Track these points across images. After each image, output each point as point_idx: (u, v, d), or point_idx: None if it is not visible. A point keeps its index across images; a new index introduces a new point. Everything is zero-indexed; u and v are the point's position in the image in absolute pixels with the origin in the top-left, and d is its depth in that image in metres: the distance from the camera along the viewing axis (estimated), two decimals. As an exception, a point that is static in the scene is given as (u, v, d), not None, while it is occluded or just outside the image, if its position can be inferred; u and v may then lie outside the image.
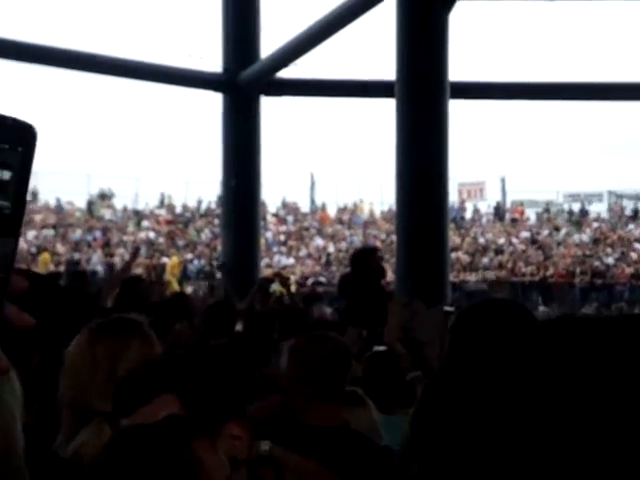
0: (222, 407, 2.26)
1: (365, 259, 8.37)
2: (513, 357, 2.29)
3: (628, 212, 38.83)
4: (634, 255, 33.39)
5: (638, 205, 38.97)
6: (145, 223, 35.75)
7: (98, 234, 33.38)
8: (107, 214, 36.06)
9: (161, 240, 34.39)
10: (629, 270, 31.74)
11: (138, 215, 36.57)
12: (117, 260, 30.91)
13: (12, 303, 1.04)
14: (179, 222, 36.33)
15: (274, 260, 33.59)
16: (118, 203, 37.37)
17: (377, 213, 39.58)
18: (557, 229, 36.87)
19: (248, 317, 7.51)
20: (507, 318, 2.51)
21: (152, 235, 34.63)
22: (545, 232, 36.48)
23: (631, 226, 36.98)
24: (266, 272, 28.02)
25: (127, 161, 47.15)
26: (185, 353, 3.62)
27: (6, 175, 1.02)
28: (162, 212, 37.35)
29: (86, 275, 8.92)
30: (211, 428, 1.76)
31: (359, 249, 14.11)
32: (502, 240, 35.41)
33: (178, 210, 37.65)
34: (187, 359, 2.54)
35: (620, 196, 39.93)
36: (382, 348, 5.47)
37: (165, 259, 31.03)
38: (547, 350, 1.09)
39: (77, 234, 32.97)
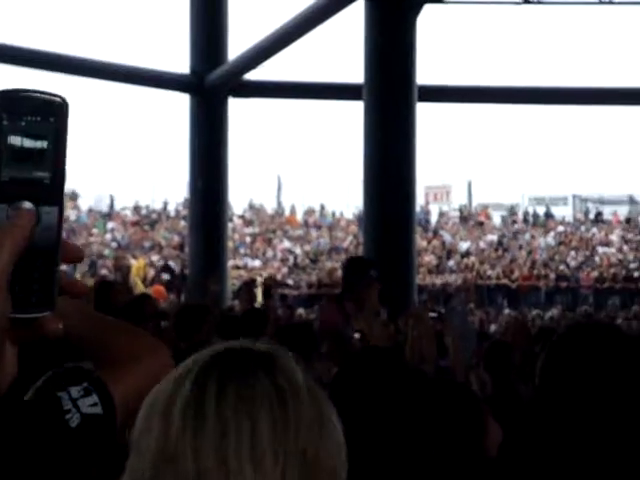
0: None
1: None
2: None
3: (592, 216, 39.12)
4: (598, 259, 33.64)
5: (602, 209, 39.27)
6: (111, 224, 35.57)
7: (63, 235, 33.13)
8: (72, 215, 35.85)
9: (127, 242, 34.23)
10: (593, 274, 31.96)
11: (104, 216, 36.40)
12: (82, 263, 30.72)
13: None
14: (145, 223, 36.17)
15: (241, 262, 33.52)
16: (83, 204, 37.17)
17: (344, 216, 39.60)
18: (522, 232, 37.06)
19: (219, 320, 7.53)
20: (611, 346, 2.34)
21: (118, 236, 34.48)
22: (510, 235, 36.67)
23: (595, 230, 37.23)
24: (233, 274, 27.97)
25: (93, 162, 46.90)
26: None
27: (42, 145, 1.03)
28: (128, 213, 37.18)
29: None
30: None
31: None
32: (468, 243, 35.55)
33: (144, 212, 37.49)
34: None
35: (585, 200, 40.23)
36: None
37: (132, 261, 30.88)
38: None
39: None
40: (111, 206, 37.52)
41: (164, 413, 1.35)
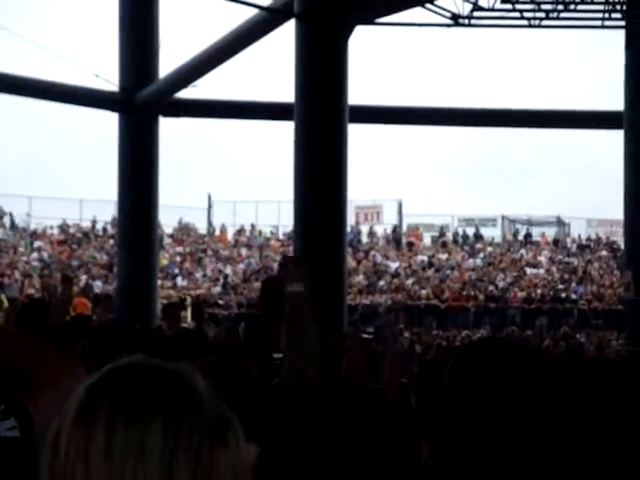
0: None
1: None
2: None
3: (521, 237, 39.56)
4: (526, 279, 33.99)
5: (531, 230, 39.73)
6: (38, 243, 35.07)
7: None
8: (-1, 233, 35.31)
9: (54, 260, 33.76)
10: (521, 294, 32.28)
11: (30, 235, 35.87)
12: (8, 281, 30.23)
13: None
14: (73, 242, 35.73)
15: (170, 282, 33.25)
16: (8, 222, 36.58)
17: (275, 235, 39.55)
18: (452, 253, 37.32)
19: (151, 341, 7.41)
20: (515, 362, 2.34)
21: (45, 255, 33.99)
22: (440, 256, 36.90)
23: (523, 251, 37.64)
24: (163, 294, 27.71)
25: (18, 180, 46.27)
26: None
27: None
28: (55, 232, 36.70)
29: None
30: None
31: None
32: (398, 264, 35.69)
33: (72, 230, 37.03)
34: None
35: (513, 221, 40.67)
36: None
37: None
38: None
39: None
40: (37, 224, 36.96)
41: (52, 441, 1.32)
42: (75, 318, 7.00)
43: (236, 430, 1.35)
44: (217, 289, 33.35)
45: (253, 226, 39.77)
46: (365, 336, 5.55)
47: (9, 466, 1.75)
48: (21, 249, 34.44)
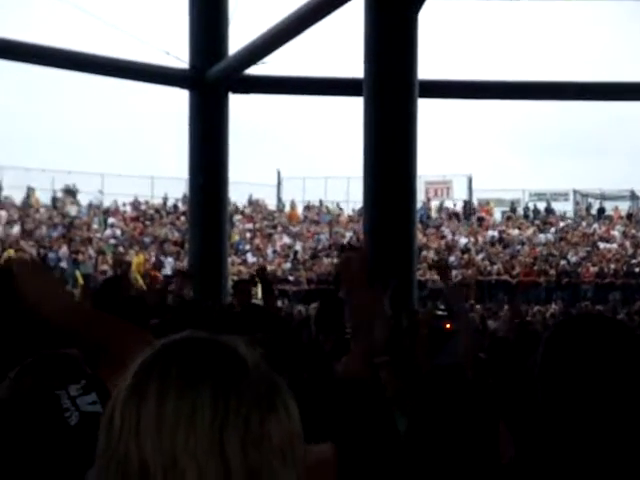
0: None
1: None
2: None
3: (593, 211, 39.07)
4: (599, 254, 33.58)
5: (603, 204, 39.22)
6: (110, 220, 35.49)
7: (62, 230, 33.09)
8: (72, 211, 35.75)
9: (126, 237, 34.16)
10: (594, 269, 31.90)
11: (103, 212, 36.31)
12: (82, 258, 30.67)
13: None
14: (145, 219, 36.11)
15: (240, 258, 33.47)
16: (83, 199, 37.08)
17: (345, 211, 39.55)
18: (522, 228, 36.99)
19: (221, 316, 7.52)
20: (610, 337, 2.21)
21: (118, 232, 34.40)
22: (511, 231, 36.59)
23: (595, 225, 37.18)
24: (233, 270, 27.91)
25: (92, 157, 46.77)
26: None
27: None
28: (127, 209, 37.11)
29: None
30: None
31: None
32: (468, 239, 35.49)
33: (144, 207, 37.42)
34: None
35: (585, 195, 40.16)
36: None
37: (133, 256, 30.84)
38: None
39: (42, 231, 32.68)
40: (111, 202, 37.40)
41: (107, 413, 1.36)
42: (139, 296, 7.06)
43: (286, 399, 1.37)
44: (287, 265, 33.48)
45: (322, 202, 39.81)
46: (439, 313, 5.54)
47: (92, 441, 1.79)
48: (95, 226, 34.89)
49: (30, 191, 35.57)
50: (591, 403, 2.13)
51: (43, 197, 36.31)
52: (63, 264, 29.78)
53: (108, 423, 1.34)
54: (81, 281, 25.39)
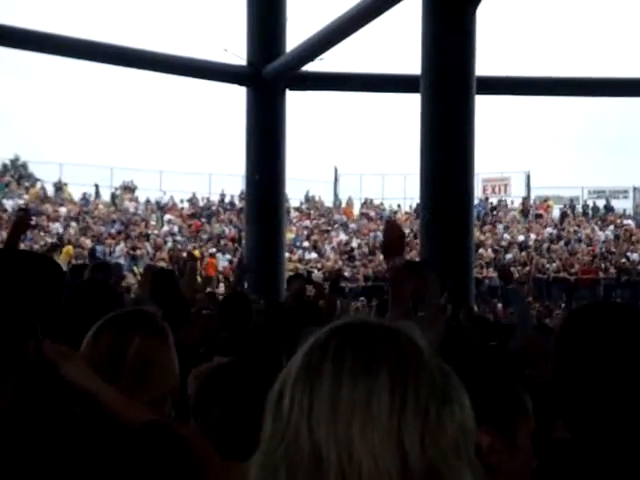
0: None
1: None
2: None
3: (653, 209, 38.61)
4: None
5: (663, 202, 38.73)
6: (168, 216, 35.76)
7: (121, 227, 33.40)
8: (131, 207, 36.09)
9: (184, 233, 34.39)
10: (654, 267, 31.50)
11: (161, 208, 36.60)
12: (140, 253, 30.93)
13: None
14: (202, 216, 36.32)
15: (297, 255, 33.53)
16: (141, 196, 37.41)
17: (402, 209, 39.47)
18: (581, 225, 36.63)
19: (269, 310, 7.56)
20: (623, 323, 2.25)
21: (175, 229, 34.64)
22: (569, 228, 36.26)
23: (655, 223, 36.73)
24: (290, 267, 27.96)
25: (150, 154, 47.21)
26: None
27: None
28: (185, 205, 37.36)
29: (108, 267, 8.86)
30: None
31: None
32: (526, 236, 35.22)
33: (201, 204, 37.65)
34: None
35: (645, 193, 39.67)
36: None
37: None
38: None
39: (100, 227, 33.02)
40: (168, 198, 37.66)
41: (274, 402, 1.31)
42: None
43: (460, 391, 1.31)
44: (343, 262, 33.46)
45: (379, 199, 39.75)
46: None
47: None
48: (152, 222, 35.17)
49: (88, 188, 36.02)
50: (602, 386, 2.17)
51: (103, 194, 36.76)
52: (120, 260, 30.07)
53: (276, 404, 1.30)
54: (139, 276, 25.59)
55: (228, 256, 31.68)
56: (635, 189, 39.44)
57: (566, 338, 2.29)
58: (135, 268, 29.05)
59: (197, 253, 31.06)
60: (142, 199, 37.23)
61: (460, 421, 1.28)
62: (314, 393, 1.25)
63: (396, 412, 1.23)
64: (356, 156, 56.86)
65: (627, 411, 2.17)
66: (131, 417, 2.38)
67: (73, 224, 32.76)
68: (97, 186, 36.14)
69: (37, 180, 36.84)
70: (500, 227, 36.42)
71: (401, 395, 1.24)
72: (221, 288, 24.55)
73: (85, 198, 35.90)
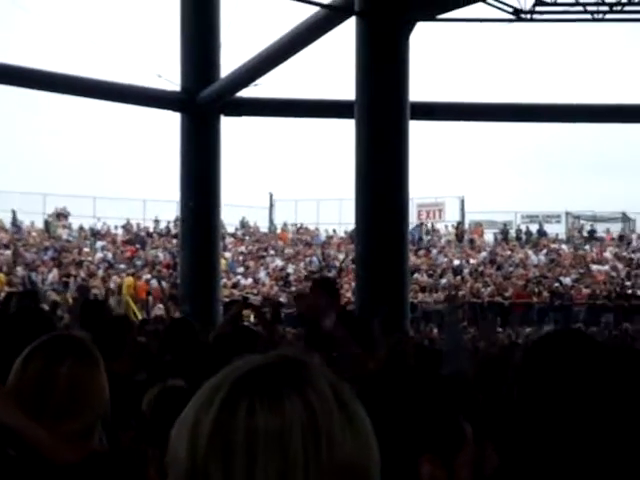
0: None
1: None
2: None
3: (585, 233, 39.09)
4: (591, 276, 33.56)
5: (595, 226, 39.24)
6: (101, 243, 35.42)
7: (54, 254, 33.00)
8: (64, 234, 35.69)
9: (118, 260, 34.06)
10: (586, 291, 31.87)
11: (94, 235, 36.24)
12: (73, 280, 30.56)
13: None
14: (136, 242, 36.03)
15: (233, 281, 33.37)
16: (75, 222, 37.02)
17: (337, 233, 39.52)
18: (514, 250, 36.99)
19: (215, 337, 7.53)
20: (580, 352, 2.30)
21: (109, 255, 34.31)
22: (503, 253, 36.59)
23: (587, 247, 37.20)
24: (225, 293, 27.81)
25: (83, 180, 46.83)
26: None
27: None
28: (119, 232, 37.05)
29: (37, 295, 8.75)
30: None
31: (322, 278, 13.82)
32: (461, 261, 35.46)
33: (135, 230, 37.35)
34: None
35: (577, 217, 40.20)
36: None
37: (124, 279, 30.75)
38: None
39: (32, 254, 32.59)
40: (102, 225, 37.33)
41: (191, 434, 1.26)
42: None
43: (362, 418, 1.31)
44: (279, 288, 33.38)
45: (314, 224, 39.79)
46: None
47: None
48: (86, 249, 34.78)
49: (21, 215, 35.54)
50: (564, 411, 2.19)
51: (36, 220, 36.27)
52: (53, 287, 29.66)
53: (192, 446, 1.27)
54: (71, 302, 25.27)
55: (164, 283, 31.43)
56: (567, 214, 39.96)
57: (529, 367, 2.31)
58: (67, 296, 28.68)
59: (131, 280, 30.78)
60: (75, 226, 36.83)
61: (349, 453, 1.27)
62: (226, 453, 1.24)
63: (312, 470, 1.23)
64: (291, 182, 56.98)
65: (579, 447, 2.19)
66: (57, 454, 2.31)
67: (6, 252, 32.30)
68: (14, 212, 35.56)
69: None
70: (434, 251, 36.64)
71: (313, 452, 1.24)
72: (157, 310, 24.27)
73: (17, 225, 35.44)
